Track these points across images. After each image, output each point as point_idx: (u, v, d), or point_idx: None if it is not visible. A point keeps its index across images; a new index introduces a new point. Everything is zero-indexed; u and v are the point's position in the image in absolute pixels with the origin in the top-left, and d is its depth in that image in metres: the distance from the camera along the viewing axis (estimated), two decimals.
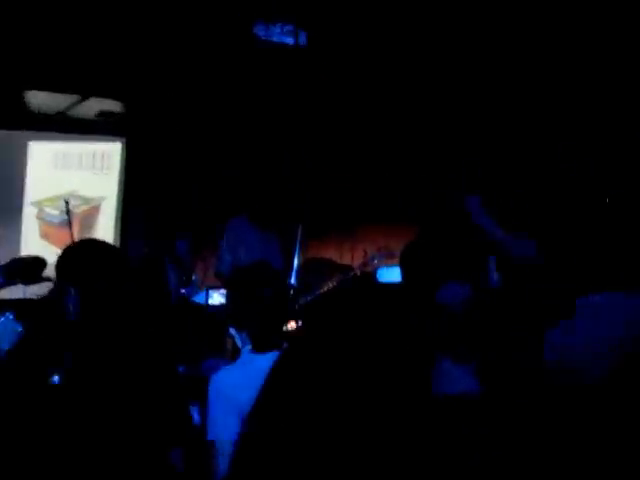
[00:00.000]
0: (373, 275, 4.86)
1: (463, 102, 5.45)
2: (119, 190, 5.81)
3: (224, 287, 4.27)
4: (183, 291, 4.42)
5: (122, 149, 5.79)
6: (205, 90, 5.37)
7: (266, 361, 2.41)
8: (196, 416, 2.75)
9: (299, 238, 4.64)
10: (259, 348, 2.46)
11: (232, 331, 2.58)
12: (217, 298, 4.37)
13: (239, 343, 2.54)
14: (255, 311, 2.46)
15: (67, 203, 4.74)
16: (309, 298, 4.52)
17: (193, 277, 4.55)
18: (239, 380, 2.36)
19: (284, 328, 2.59)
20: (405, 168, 5.69)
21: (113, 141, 5.78)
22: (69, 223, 4.68)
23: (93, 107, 5.42)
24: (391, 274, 4.89)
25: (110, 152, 5.76)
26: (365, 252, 4.59)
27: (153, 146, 5.57)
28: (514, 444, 1.69)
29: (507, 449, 1.65)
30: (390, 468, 1.28)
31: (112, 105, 5.50)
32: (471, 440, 1.54)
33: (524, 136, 5.28)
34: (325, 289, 4.59)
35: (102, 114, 5.52)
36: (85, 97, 5.30)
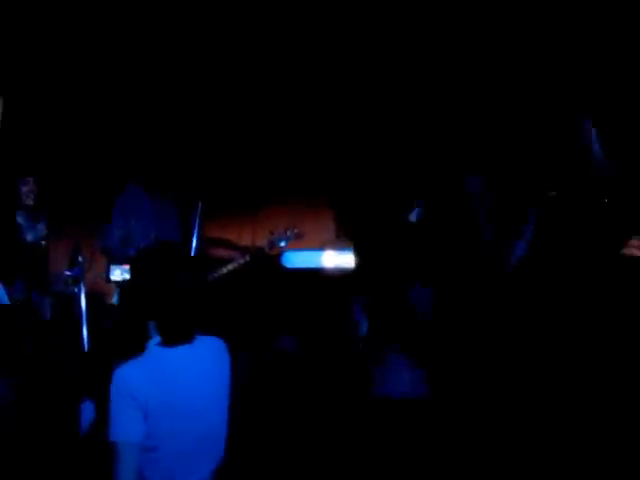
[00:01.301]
0: (279, 259, 4.88)
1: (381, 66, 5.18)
2: None
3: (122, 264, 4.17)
4: (68, 273, 4.22)
5: None
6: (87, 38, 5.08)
7: (176, 356, 2.38)
8: (91, 413, 2.67)
9: (199, 215, 4.53)
10: (168, 341, 2.41)
11: None
12: (119, 274, 4.26)
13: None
14: (164, 298, 2.37)
15: None
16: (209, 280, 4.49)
17: (79, 257, 4.34)
18: (145, 376, 2.33)
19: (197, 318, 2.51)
20: (316, 143, 5.46)
21: None
22: None
23: None
24: (297, 259, 4.93)
25: None
26: (271, 233, 4.59)
27: (31, 104, 5.26)
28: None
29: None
30: None
31: None
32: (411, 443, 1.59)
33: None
34: (225, 271, 4.58)
35: None
36: None
